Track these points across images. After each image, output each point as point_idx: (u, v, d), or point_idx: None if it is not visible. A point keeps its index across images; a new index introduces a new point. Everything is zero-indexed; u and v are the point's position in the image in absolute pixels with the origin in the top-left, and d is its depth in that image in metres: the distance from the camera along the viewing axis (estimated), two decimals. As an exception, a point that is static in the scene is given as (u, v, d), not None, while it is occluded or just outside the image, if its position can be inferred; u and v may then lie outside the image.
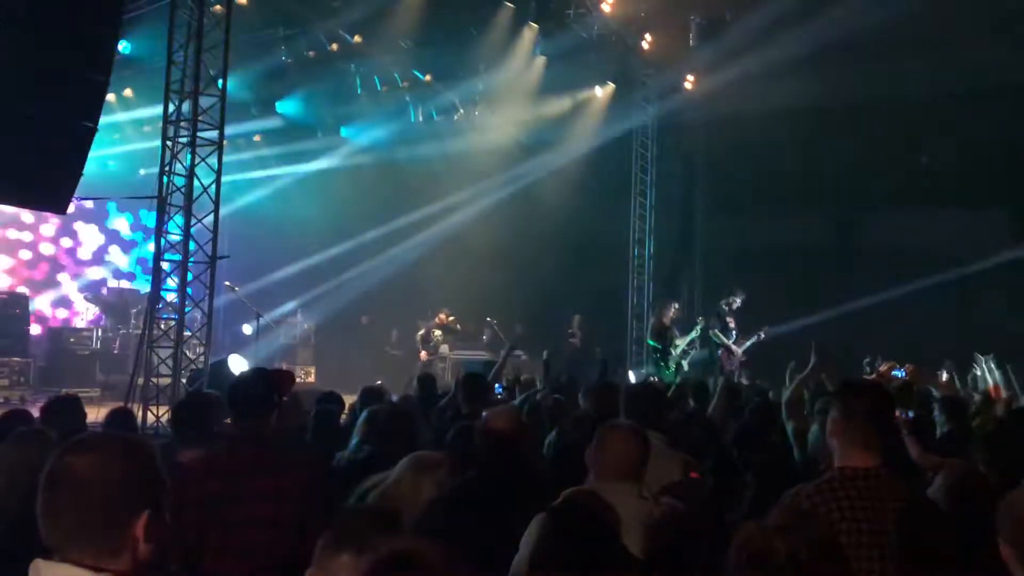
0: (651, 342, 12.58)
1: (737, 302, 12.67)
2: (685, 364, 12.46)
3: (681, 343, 12.49)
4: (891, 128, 14.15)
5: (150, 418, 8.50)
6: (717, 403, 5.92)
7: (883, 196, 14.98)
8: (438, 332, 14.69)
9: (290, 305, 15.91)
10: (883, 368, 8.72)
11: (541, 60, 14.31)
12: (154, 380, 8.69)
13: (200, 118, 9.03)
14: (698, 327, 12.67)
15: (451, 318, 14.97)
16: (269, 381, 3.33)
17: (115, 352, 13.94)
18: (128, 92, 14.30)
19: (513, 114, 16.21)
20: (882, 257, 14.72)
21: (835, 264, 15.01)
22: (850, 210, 15.73)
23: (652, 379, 10.63)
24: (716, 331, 12.47)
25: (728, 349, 12.35)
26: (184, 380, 8.77)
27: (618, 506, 2.68)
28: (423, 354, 14.44)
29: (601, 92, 15.72)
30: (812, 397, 5.21)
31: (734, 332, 12.51)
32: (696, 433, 4.49)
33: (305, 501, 3.03)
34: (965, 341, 10.19)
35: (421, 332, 14.81)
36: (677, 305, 13.05)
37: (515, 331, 14.63)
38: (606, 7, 13.02)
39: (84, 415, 5.08)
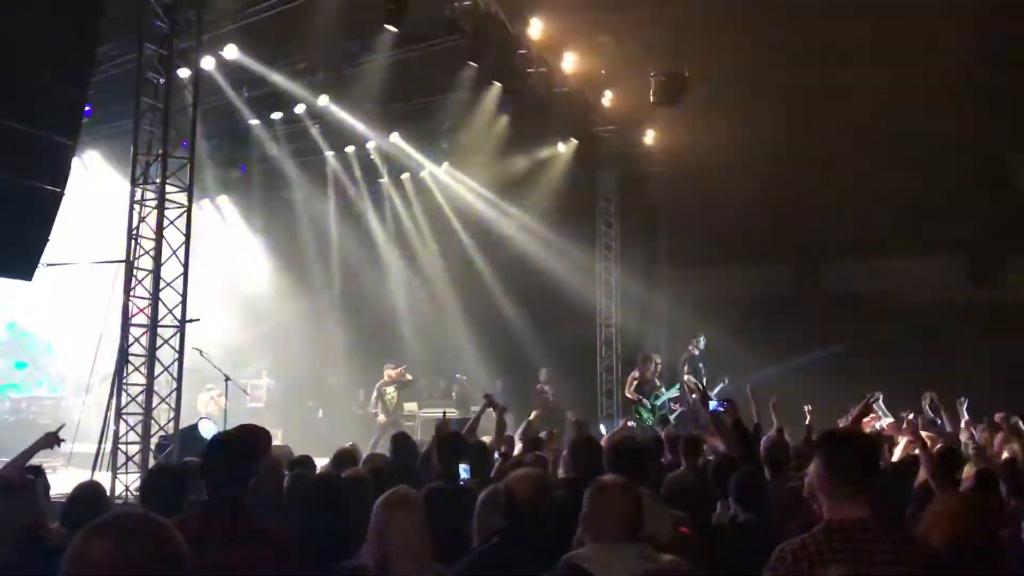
0: (636, 395, 12.52)
1: (702, 343, 12.85)
2: (672, 419, 12.42)
3: (664, 396, 12.49)
4: (850, 178, 14.58)
5: (119, 487, 8.29)
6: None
7: (843, 245, 15.40)
8: (390, 389, 13.71)
9: (257, 366, 15.66)
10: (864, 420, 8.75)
11: (505, 118, 14.51)
12: (122, 448, 8.48)
13: (168, 180, 9.01)
14: (676, 385, 12.63)
15: (398, 370, 13.91)
16: (243, 449, 3.20)
17: (78, 420, 13.55)
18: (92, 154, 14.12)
19: (479, 171, 16.40)
20: (842, 305, 15.05)
21: (796, 312, 15.27)
22: (810, 259, 16.09)
23: (630, 424, 10.60)
24: (688, 376, 12.55)
25: (703, 394, 12.39)
26: (153, 447, 8.59)
27: (620, 568, 2.67)
28: (381, 417, 13.45)
29: (564, 148, 15.97)
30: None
31: (704, 378, 12.63)
32: (683, 488, 4.47)
33: (276, 573, 2.95)
34: (926, 383, 10.35)
35: (373, 395, 13.91)
36: (660, 360, 13.04)
37: (495, 386, 14.08)
38: (566, 66, 13.28)
39: (47, 487, 5.04)
